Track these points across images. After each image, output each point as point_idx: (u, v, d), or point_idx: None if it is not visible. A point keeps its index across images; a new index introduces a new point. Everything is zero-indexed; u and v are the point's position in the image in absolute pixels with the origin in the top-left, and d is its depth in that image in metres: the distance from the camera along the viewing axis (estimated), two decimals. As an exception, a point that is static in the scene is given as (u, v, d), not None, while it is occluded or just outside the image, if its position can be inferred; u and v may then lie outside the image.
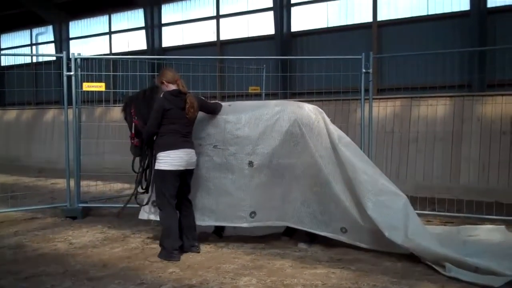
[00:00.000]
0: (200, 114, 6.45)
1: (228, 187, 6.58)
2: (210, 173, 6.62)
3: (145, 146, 6.50)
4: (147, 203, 6.61)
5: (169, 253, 6.02)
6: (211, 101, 6.98)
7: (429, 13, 13.71)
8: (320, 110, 6.80)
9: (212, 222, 6.68)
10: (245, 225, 6.60)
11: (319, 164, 6.42)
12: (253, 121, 6.61)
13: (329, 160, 6.47)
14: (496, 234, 7.03)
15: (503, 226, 7.34)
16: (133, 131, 6.65)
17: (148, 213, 6.76)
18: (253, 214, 6.53)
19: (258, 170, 6.52)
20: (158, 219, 6.51)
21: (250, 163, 6.51)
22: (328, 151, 6.50)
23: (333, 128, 6.67)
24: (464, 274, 5.25)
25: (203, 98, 6.80)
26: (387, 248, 6.15)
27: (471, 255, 5.62)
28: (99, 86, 8.71)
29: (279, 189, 6.58)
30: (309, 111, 6.66)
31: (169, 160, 6.01)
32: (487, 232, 7.12)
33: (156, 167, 6.13)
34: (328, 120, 6.71)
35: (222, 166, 6.61)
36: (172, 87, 6.22)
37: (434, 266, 5.59)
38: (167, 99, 6.10)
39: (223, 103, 6.93)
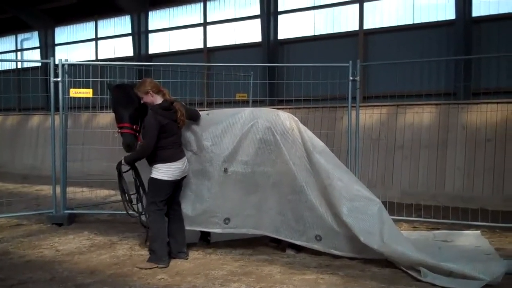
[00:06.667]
0: None
1: (203, 193, 6.61)
2: (188, 179, 6.63)
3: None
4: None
5: (158, 257, 6.00)
6: (192, 108, 6.98)
7: (415, 22, 13.86)
8: (295, 118, 6.82)
9: (187, 227, 6.63)
10: (218, 230, 6.64)
11: (293, 172, 6.44)
12: (229, 129, 6.64)
13: (303, 167, 6.50)
14: (471, 239, 7.17)
15: (478, 232, 7.50)
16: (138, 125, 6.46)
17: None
18: (227, 220, 6.57)
19: (233, 177, 6.56)
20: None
21: (225, 170, 6.55)
22: (302, 159, 6.53)
23: (308, 136, 6.69)
24: (439, 279, 5.33)
25: (184, 104, 6.76)
26: (362, 254, 6.18)
27: (447, 260, 5.67)
28: (87, 93, 8.65)
29: (254, 197, 6.59)
30: (284, 119, 6.68)
31: (169, 171, 6.04)
32: (462, 237, 7.26)
33: (153, 176, 6.08)
34: (303, 128, 6.74)
35: (199, 173, 6.65)
36: (158, 97, 6.13)
37: (409, 271, 5.63)
38: (160, 114, 6.03)
39: (201, 112, 6.94)
